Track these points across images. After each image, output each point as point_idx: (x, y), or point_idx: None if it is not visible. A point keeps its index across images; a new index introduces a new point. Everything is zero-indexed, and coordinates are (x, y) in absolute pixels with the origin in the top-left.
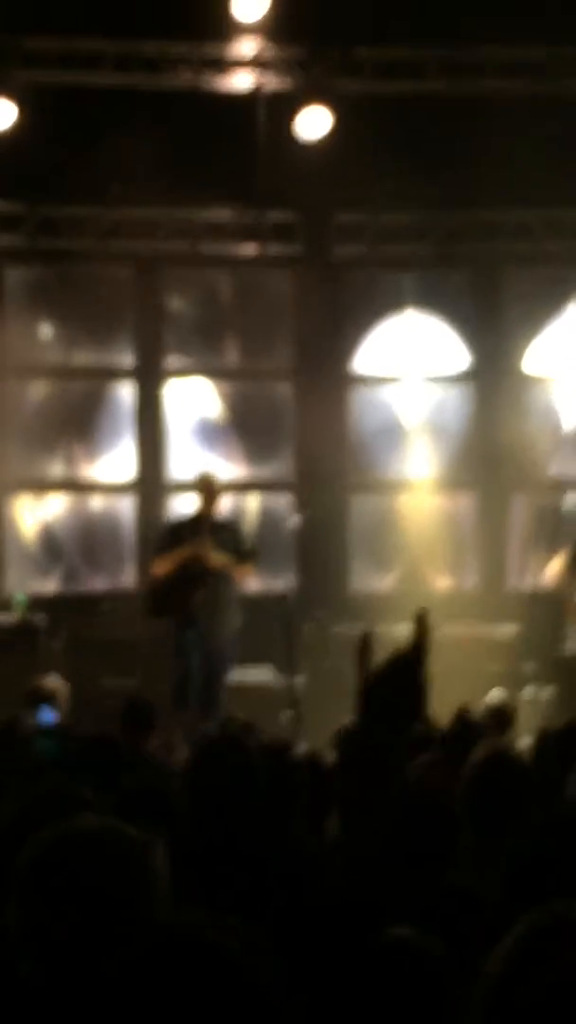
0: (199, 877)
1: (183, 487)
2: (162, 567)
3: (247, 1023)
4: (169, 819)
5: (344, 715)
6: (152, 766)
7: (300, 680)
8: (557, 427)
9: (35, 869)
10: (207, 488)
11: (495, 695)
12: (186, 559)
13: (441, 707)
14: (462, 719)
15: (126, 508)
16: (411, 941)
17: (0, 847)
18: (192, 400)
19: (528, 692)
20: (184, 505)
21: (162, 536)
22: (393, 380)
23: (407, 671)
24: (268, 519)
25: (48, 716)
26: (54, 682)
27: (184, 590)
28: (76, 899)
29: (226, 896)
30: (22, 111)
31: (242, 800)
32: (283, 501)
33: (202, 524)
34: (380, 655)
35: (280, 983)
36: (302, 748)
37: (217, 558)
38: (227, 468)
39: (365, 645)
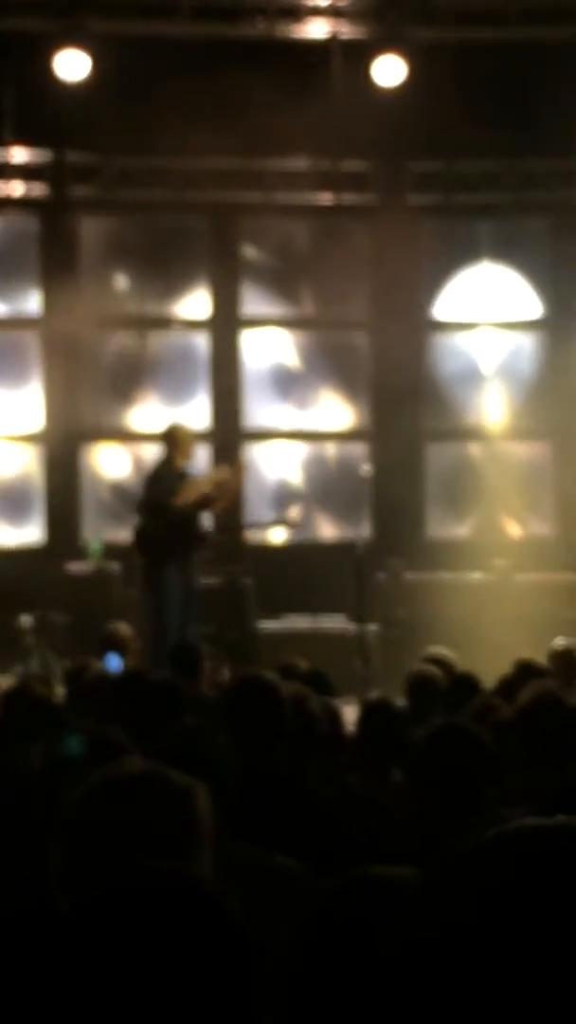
0: (241, 816)
1: (258, 436)
2: (184, 497)
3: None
4: (213, 761)
5: (415, 663)
6: (205, 707)
7: (372, 628)
8: None
9: (81, 812)
10: (178, 438)
11: (560, 642)
12: (205, 497)
13: (516, 652)
14: (522, 665)
15: (201, 457)
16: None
17: (37, 790)
18: (267, 349)
19: None
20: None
21: (164, 479)
22: (469, 327)
23: None
24: (343, 467)
25: (114, 663)
26: (125, 629)
27: (192, 536)
28: (121, 843)
29: (267, 834)
30: (97, 62)
31: (270, 741)
32: (359, 449)
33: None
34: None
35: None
36: (373, 695)
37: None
38: (302, 417)
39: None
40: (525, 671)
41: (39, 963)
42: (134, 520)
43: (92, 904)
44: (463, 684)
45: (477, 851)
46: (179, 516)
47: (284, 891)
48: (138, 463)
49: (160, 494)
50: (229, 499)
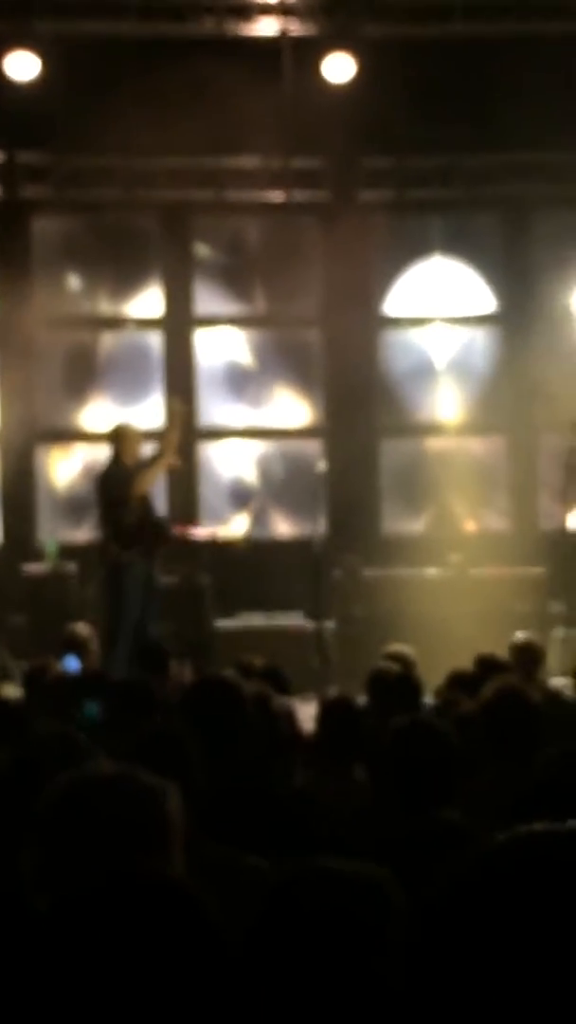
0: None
1: (212, 434)
2: (139, 486)
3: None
4: (183, 761)
5: (373, 659)
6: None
7: (329, 625)
8: None
9: (55, 813)
10: (124, 437)
11: (520, 635)
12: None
13: (473, 647)
14: (483, 660)
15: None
16: (351, 871)
17: (3, 792)
18: (221, 348)
19: (558, 632)
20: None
21: (115, 476)
22: (421, 323)
23: None
24: (298, 465)
25: (72, 663)
26: (84, 629)
27: (156, 532)
28: (94, 843)
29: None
30: (46, 62)
31: (231, 741)
32: (314, 446)
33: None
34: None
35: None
36: (332, 693)
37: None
38: (256, 414)
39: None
40: (486, 666)
41: (16, 962)
42: (94, 521)
43: (70, 903)
44: (407, 686)
45: (490, 855)
46: (141, 507)
47: (254, 891)
48: (92, 463)
49: (116, 491)
50: (174, 449)
